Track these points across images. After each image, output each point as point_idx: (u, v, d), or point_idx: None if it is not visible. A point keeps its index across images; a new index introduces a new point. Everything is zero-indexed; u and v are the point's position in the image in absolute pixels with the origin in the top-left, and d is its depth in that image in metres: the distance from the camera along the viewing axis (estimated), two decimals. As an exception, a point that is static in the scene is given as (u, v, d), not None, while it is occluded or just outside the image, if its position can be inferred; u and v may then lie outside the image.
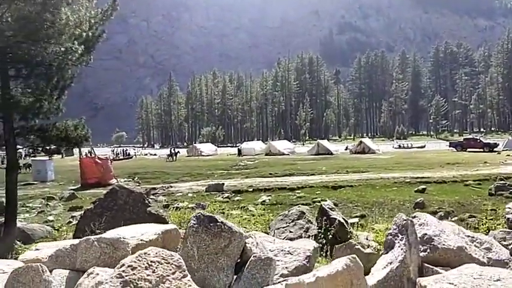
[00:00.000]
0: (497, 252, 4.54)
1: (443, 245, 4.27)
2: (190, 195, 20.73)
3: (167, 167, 37.76)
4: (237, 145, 77.83)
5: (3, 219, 11.33)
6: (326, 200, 12.25)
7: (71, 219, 14.93)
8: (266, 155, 53.11)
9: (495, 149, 44.46)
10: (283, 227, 9.56)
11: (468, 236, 4.73)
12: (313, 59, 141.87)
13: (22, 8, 9.19)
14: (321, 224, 8.46)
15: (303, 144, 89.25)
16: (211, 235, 3.81)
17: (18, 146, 11.97)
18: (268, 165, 36.35)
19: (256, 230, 8.48)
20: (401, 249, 3.79)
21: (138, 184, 26.35)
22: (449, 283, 3.27)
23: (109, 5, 11.92)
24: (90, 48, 11.61)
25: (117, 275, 2.95)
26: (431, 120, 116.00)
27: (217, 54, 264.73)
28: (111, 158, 41.37)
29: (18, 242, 10.53)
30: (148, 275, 3.00)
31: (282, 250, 4.50)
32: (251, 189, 21.19)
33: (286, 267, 4.22)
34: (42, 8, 9.23)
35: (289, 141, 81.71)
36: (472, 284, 3.20)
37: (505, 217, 9.91)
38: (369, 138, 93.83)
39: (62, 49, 10.17)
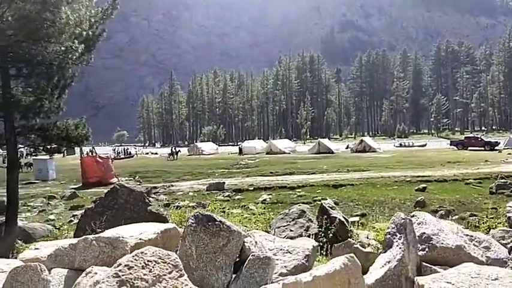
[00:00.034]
0: (495, 251, 4.53)
1: (442, 244, 4.27)
2: (191, 194, 20.76)
3: (168, 166, 37.78)
4: (238, 144, 77.73)
5: (4, 218, 11.36)
6: (327, 199, 12.23)
7: (72, 218, 14.97)
8: (267, 153, 53.08)
9: (496, 148, 44.34)
10: (284, 226, 9.55)
11: (467, 235, 4.73)
12: (314, 58, 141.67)
13: (22, 7, 9.20)
14: (321, 223, 8.45)
15: (304, 143, 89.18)
16: (209, 234, 3.81)
17: (19, 145, 12.00)
18: (269, 164, 36.34)
19: (257, 229, 8.48)
20: (400, 248, 3.79)
21: (139, 183, 26.36)
22: (447, 282, 3.26)
23: (109, 4, 11.93)
24: (91, 47, 11.62)
25: (114, 275, 2.94)
26: (432, 119, 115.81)
27: (218, 53, 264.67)
28: (112, 157, 41.39)
29: (19, 241, 10.56)
30: (144, 275, 2.99)
31: (281, 249, 4.50)
32: (252, 188, 21.20)
33: (285, 266, 4.22)
34: (42, 7, 9.24)
35: (290, 140, 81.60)
36: (469, 283, 3.20)
37: (505, 216, 9.92)
38: (370, 137, 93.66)
39: (63, 48, 10.18)
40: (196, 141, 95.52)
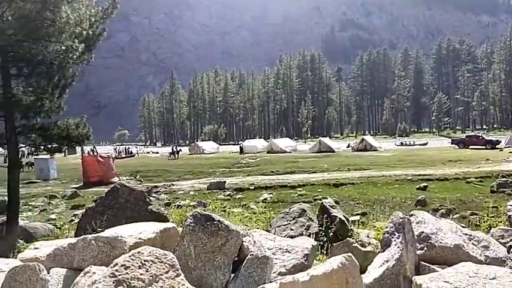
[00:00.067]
0: (494, 250, 4.52)
1: (441, 243, 4.26)
2: (192, 193, 20.77)
3: (169, 165, 37.79)
4: (239, 143, 77.79)
5: (5, 217, 11.39)
6: (327, 198, 12.23)
7: (73, 218, 15.00)
8: (268, 152, 53.07)
9: (497, 146, 44.28)
10: (284, 225, 9.54)
11: (466, 234, 4.72)
12: (315, 57, 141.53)
13: (22, 7, 9.21)
14: (321, 222, 8.44)
15: (305, 142, 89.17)
16: (208, 234, 3.81)
17: (20, 145, 12.02)
18: (269, 163, 36.34)
19: (258, 228, 8.49)
20: (398, 247, 3.78)
21: (140, 182, 26.40)
22: (445, 281, 3.26)
23: (109, 3, 11.95)
24: (91, 46, 11.64)
25: (110, 274, 2.94)
26: (433, 118, 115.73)
27: (219, 52, 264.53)
28: (114, 156, 41.42)
29: (20, 241, 10.59)
30: (141, 274, 2.99)
31: (280, 248, 4.50)
32: (252, 187, 21.20)
33: (284, 266, 4.22)
34: (42, 7, 9.25)
35: (291, 139, 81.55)
36: (467, 282, 3.19)
37: (506, 214, 9.90)
38: (371, 135, 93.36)
39: (63, 47, 10.20)
40: (197, 141, 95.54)
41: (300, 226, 9.26)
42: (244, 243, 4.07)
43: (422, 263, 4.10)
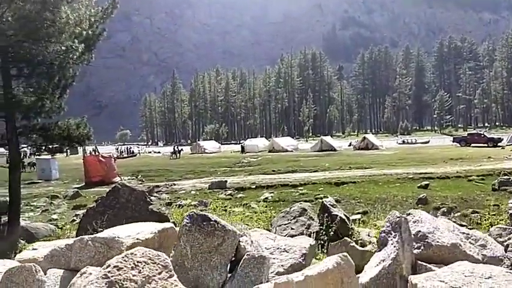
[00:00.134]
0: (492, 249, 4.52)
1: (437, 242, 4.26)
2: (193, 192, 20.80)
3: (170, 165, 37.83)
4: (241, 142, 77.79)
5: (7, 218, 11.43)
6: (328, 197, 12.23)
7: (74, 218, 15.02)
8: (269, 151, 53.07)
9: (499, 144, 44.18)
10: (285, 224, 9.55)
11: (463, 233, 4.72)
12: (316, 55, 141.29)
13: (22, 7, 9.24)
14: (322, 221, 8.45)
15: (307, 141, 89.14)
16: (204, 234, 3.81)
17: (21, 145, 12.06)
18: (271, 162, 36.34)
19: (259, 227, 8.51)
20: (394, 246, 3.78)
21: (141, 182, 26.45)
22: (440, 281, 3.26)
23: (109, 3, 11.97)
24: (91, 46, 11.67)
25: (103, 276, 2.94)
26: (435, 116, 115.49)
27: (220, 52, 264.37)
28: (115, 156, 41.52)
29: (22, 241, 10.62)
30: (134, 275, 2.99)
31: (278, 248, 4.51)
32: (254, 186, 21.21)
33: (281, 265, 4.23)
34: (42, 7, 9.28)
35: (293, 137, 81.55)
36: (463, 282, 3.19)
37: (508, 212, 9.89)
38: (373, 134, 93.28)
39: (63, 48, 10.23)
40: (198, 140, 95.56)
41: (300, 225, 9.27)
42: (241, 243, 4.08)
43: (419, 262, 4.09)
